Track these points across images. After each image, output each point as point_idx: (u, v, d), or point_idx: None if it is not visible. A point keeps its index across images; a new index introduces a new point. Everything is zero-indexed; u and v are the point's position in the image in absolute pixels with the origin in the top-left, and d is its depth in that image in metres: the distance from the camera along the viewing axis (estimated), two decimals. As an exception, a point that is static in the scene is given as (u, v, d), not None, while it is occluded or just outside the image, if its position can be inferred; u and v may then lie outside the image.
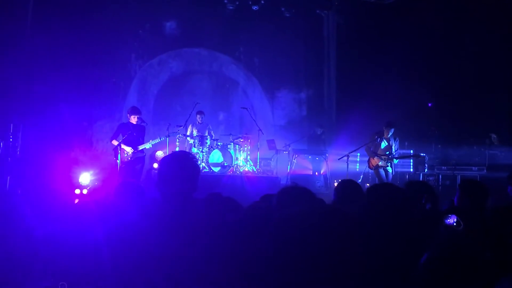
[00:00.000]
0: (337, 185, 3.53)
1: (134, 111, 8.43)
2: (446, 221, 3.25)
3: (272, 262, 1.09)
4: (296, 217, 1.11)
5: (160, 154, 10.89)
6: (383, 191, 2.53)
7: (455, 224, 3.27)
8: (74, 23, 10.38)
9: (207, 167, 10.02)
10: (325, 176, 10.87)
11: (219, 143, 10.45)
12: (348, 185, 3.49)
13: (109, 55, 11.13)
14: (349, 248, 1.05)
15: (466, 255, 2.02)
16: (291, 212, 1.12)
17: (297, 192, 2.57)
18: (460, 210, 3.49)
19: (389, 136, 9.14)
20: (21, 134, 9.97)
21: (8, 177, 8.64)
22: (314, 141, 11.33)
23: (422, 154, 10.41)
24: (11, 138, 9.63)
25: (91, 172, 9.69)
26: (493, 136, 10.48)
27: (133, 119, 8.32)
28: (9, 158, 9.18)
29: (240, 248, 2.07)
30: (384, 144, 9.17)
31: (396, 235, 2.08)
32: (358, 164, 11.17)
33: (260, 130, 10.65)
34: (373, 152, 9.18)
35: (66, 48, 10.17)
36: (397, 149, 9.32)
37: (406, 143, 11.23)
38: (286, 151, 10.97)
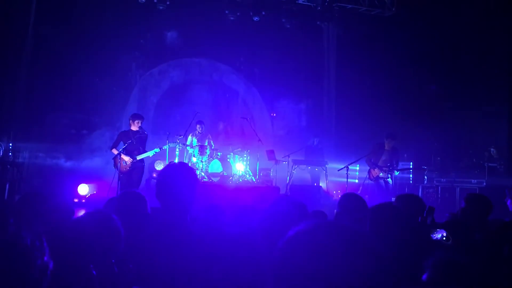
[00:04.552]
0: (341, 198, 3.49)
1: (137, 116, 8.43)
2: (433, 236, 3.23)
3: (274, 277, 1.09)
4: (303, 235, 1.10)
5: (158, 163, 10.88)
6: (386, 213, 2.56)
7: (444, 238, 3.26)
8: (75, 32, 10.45)
9: (206, 177, 10.00)
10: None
11: (218, 153, 10.44)
12: (353, 199, 3.46)
13: (109, 64, 11.18)
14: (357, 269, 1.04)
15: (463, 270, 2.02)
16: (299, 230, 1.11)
17: (288, 206, 2.52)
18: (463, 222, 3.49)
19: (390, 147, 9.12)
20: (21, 141, 9.97)
21: (7, 184, 8.62)
22: (311, 152, 11.29)
23: (424, 167, 10.38)
24: (10, 145, 9.63)
25: (90, 181, 9.67)
26: (492, 149, 10.52)
27: (136, 125, 8.29)
28: (8, 166, 9.17)
29: (241, 259, 2.07)
30: (385, 155, 9.14)
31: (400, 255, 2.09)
32: (357, 173, 11.16)
33: (259, 140, 10.65)
34: (374, 163, 9.15)
35: (67, 57, 10.23)
36: (398, 160, 9.30)
37: (406, 155, 11.22)
38: (285, 161, 10.95)
